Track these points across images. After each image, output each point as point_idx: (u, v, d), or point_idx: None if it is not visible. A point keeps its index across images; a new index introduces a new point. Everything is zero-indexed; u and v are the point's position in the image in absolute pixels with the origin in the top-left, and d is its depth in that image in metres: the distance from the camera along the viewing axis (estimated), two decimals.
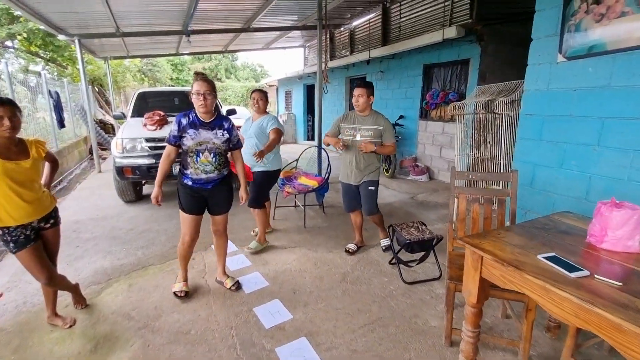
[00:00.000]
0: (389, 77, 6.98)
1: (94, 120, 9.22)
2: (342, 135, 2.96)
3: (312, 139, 11.61)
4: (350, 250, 3.12)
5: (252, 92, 3.14)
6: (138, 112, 5.08)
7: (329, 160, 4.07)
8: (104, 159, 8.21)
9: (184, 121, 2.23)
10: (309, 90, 11.37)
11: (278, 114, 14.03)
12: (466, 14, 5.08)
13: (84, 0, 4.61)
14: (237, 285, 2.55)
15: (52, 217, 2.05)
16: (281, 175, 4.07)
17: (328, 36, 4.70)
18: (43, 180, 2.07)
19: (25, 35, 8.74)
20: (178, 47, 9.15)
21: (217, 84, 22.84)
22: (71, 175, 6.82)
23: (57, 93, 6.78)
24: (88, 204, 4.65)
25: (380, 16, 6.96)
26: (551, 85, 2.71)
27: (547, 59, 2.72)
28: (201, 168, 2.26)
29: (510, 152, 2.98)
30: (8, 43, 9.52)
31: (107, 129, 10.80)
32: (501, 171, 3.02)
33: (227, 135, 2.30)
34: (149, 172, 4.15)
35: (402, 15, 6.43)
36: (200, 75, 2.22)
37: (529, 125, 2.88)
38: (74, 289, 2.28)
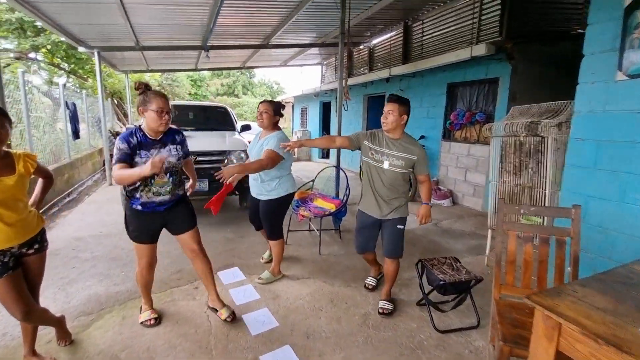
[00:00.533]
0: (409, 95, 6.71)
1: (111, 132, 9.26)
2: (365, 157, 2.42)
3: (327, 156, 11.38)
4: (369, 287, 2.76)
5: (260, 103, 2.75)
6: None
7: (347, 182, 3.78)
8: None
9: (133, 140, 1.97)
10: (325, 108, 11.24)
11: (293, 130, 13.94)
12: (495, 31, 4.83)
13: (104, 12, 4.58)
14: (233, 317, 2.30)
15: (38, 242, 1.80)
16: (296, 197, 3.79)
17: (341, 57, 4.50)
18: (32, 199, 1.84)
19: (49, 47, 8.98)
20: (197, 62, 9.21)
21: (234, 100, 23.24)
22: (82, 187, 6.72)
23: (74, 104, 6.79)
24: (93, 219, 4.45)
25: (401, 34, 6.79)
26: (608, 107, 2.37)
27: (603, 77, 2.39)
28: (154, 190, 2.04)
29: (556, 179, 2.62)
30: (32, 55, 9.79)
31: None
32: (546, 202, 2.65)
33: (181, 151, 2.13)
34: None
35: (424, 33, 6.23)
36: (156, 91, 2.02)
37: (581, 150, 2.52)
38: (58, 324, 2.00)
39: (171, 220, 2.17)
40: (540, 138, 2.66)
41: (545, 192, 2.65)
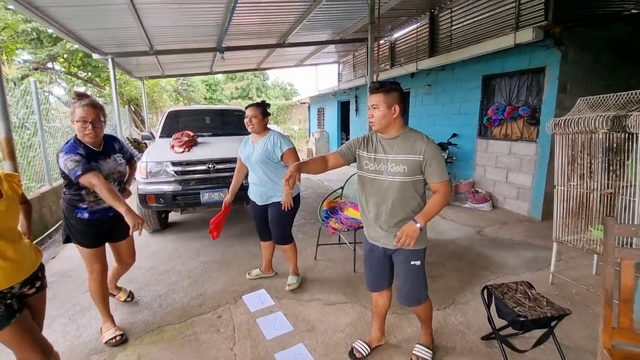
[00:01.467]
0: (437, 91, 6.25)
1: (128, 140, 9.16)
2: (359, 170, 1.84)
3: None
4: (358, 355, 1.95)
5: (246, 108, 2.57)
6: (168, 132, 4.69)
7: None
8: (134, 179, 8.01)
9: (81, 151, 1.90)
10: (343, 107, 10.86)
11: (310, 132, 13.62)
12: (539, 15, 4.32)
13: (115, 16, 4.36)
14: (132, 297, 2.58)
15: (39, 278, 1.52)
16: (324, 206, 3.42)
17: (370, 48, 4.10)
18: (21, 229, 1.55)
19: (65, 56, 8.98)
20: (212, 65, 9.02)
21: (249, 102, 23.15)
22: None
23: None
24: None
25: (427, 25, 6.32)
26: None
27: None
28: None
29: None
30: (50, 65, 9.84)
31: (140, 148, 10.81)
32: (636, 212, 2.17)
33: (123, 159, 2.17)
34: (174, 201, 3.66)
35: (453, 23, 5.75)
36: (85, 99, 1.91)
37: None
38: None
39: (117, 226, 2.11)
40: (627, 134, 2.19)
41: (634, 200, 2.18)
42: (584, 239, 2.56)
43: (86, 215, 2.02)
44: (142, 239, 3.94)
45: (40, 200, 4.22)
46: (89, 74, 10.32)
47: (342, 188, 3.73)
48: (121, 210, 1.78)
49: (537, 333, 1.86)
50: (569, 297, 2.59)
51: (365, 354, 1.96)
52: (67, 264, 3.35)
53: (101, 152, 2.02)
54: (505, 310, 1.84)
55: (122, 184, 2.22)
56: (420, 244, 1.74)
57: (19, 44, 8.39)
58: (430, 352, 1.93)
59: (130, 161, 2.32)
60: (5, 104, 2.60)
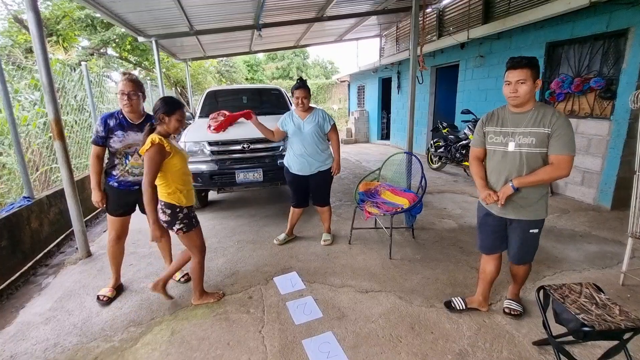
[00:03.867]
0: (491, 63, 5.61)
1: None
2: (488, 144, 1.92)
3: (387, 137, 10.54)
4: (453, 306, 2.14)
5: (294, 89, 2.90)
6: (207, 112, 4.75)
7: (422, 170, 3.11)
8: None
9: (111, 122, 2.18)
10: (385, 84, 10.32)
11: (350, 111, 13.25)
12: None
13: None
14: (187, 278, 2.58)
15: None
16: (360, 189, 3.25)
17: (415, 16, 3.67)
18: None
19: (116, 41, 9.47)
20: (251, 44, 8.96)
21: (290, 82, 23.04)
22: None
23: None
24: None
25: None
26: None
27: None
28: (129, 170, 2.26)
29: None
30: (103, 50, 10.45)
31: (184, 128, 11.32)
32: None
33: None
34: (211, 180, 3.72)
35: None
36: (126, 75, 2.20)
37: None
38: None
39: (140, 199, 2.12)
40: None
41: None
42: None
43: (115, 184, 2.24)
44: None
45: None
46: (138, 57, 10.84)
47: (379, 169, 3.52)
48: (93, 192, 2.24)
49: (603, 343, 1.59)
50: None
51: (460, 308, 2.13)
52: None
53: (136, 125, 2.22)
54: (566, 316, 1.58)
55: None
56: (541, 215, 1.86)
57: (77, 31, 8.99)
58: (521, 306, 2.09)
59: None
60: (53, 87, 2.72)
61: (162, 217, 2.02)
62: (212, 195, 4.85)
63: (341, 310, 2.22)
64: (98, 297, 2.37)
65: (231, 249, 3.18)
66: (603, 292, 1.71)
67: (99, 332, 2.08)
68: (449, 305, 2.17)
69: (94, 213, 4.22)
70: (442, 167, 6.31)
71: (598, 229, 3.40)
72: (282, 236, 3.29)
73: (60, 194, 3.37)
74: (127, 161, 2.24)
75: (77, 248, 3.17)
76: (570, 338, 1.73)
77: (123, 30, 6.30)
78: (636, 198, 2.29)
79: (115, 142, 2.19)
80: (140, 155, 2.08)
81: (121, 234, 2.41)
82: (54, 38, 8.50)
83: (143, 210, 2.21)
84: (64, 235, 3.47)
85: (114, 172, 2.24)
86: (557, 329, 1.69)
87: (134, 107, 2.19)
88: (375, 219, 3.56)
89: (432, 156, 6.42)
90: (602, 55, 3.96)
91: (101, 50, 10.19)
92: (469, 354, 1.80)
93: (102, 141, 2.20)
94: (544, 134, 1.71)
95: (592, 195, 4.12)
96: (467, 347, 1.86)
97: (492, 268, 2.06)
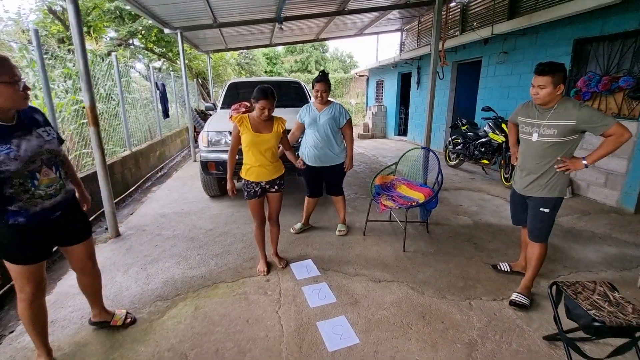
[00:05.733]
0: (515, 59, 5.49)
1: (196, 111, 9.83)
2: (520, 131, 2.25)
3: (405, 133, 10.47)
4: (500, 268, 2.59)
5: (315, 82, 2.96)
6: (229, 103, 4.89)
7: (439, 166, 3.14)
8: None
9: None
10: (404, 80, 10.21)
11: (367, 105, 13.19)
12: None
13: None
14: (132, 319, 2.05)
15: (277, 184, 2.51)
16: (376, 182, 3.31)
17: (438, 10, 3.64)
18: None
19: (143, 32, 9.74)
20: (271, 37, 9.05)
21: (308, 76, 23.08)
22: (172, 162, 7.26)
23: (163, 85, 7.22)
24: (177, 196, 4.66)
25: None
26: None
27: None
28: (41, 194, 1.51)
29: None
30: (130, 41, 10.77)
31: (207, 119, 11.58)
32: None
33: (53, 131, 1.61)
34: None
35: None
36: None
37: None
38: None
39: (67, 227, 1.69)
40: None
41: None
42: None
43: (22, 219, 1.48)
44: (204, 203, 4.28)
45: (122, 163, 4.77)
46: (163, 49, 11.13)
47: (396, 164, 3.56)
48: None
49: (614, 341, 1.61)
50: None
51: (506, 270, 2.55)
52: (142, 220, 3.78)
53: (15, 126, 1.46)
54: (578, 311, 1.61)
55: (62, 167, 1.63)
56: (554, 194, 2.08)
57: (106, 22, 9.32)
58: (528, 299, 2.17)
59: (61, 143, 1.70)
60: (89, 76, 2.89)
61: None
62: None
63: (354, 297, 2.30)
64: None
65: (250, 235, 3.31)
66: (617, 291, 1.72)
67: (129, 304, 2.25)
68: (495, 267, 2.61)
69: (120, 197, 4.45)
70: (460, 164, 6.26)
71: (619, 232, 3.34)
72: (298, 225, 3.39)
73: (90, 177, 3.58)
74: (35, 182, 1.49)
75: (106, 228, 3.38)
76: (582, 335, 1.76)
77: (150, 22, 6.49)
78: None
79: (5, 162, 1.38)
80: (51, 167, 1.54)
81: (44, 285, 1.66)
82: (85, 29, 8.84)
83: (64, 242, 1.72)
84: (94, 216, 3.70)
85: (13, 207, 1.45)
86: (568, 326, 1.72)
87: (25, 100, 1.46)
88: (390, 212, 3.61)
89: (450, 153, 6.36)
90: (633, 53, 3.83)
91: (129, 42, 10.51)
92: (478, 344, 1.86)
93: None
94: (568, 126, 1.95)
95: (615, 197, 4.02)
96: (476, 338, 1.91)
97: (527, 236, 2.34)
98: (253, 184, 2.42)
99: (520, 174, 2.23)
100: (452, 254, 2.91)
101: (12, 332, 2.03)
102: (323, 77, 2.98)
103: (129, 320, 2.04)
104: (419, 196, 3.03)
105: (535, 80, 1.98)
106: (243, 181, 2.46)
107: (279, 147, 2.55)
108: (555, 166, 2.03)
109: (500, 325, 2.01)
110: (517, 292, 2.21)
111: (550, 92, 1.94)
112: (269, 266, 2.67)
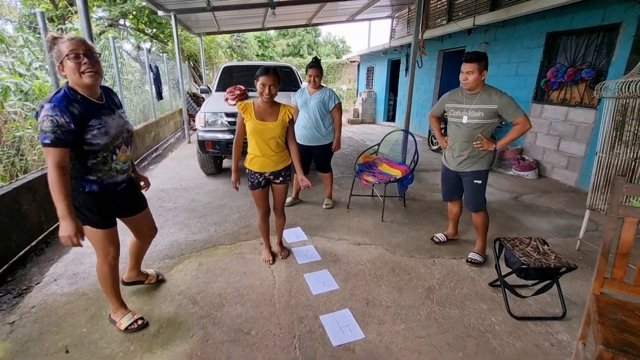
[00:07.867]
0: (495, 50, 5.83)
1: (188, 94, 9.93)
2: (448, 117, 2.54)
3: (393, 119, 10.81)
4: (437, 240, 2.88)
5: (309, 68, 3.23)
6: (223, 86, 5.12)
7: (416, 147, 3.50)
8: (195, 130, 8.82)
9: (76, 109, 1.45)
10: (393, 67, 10.48)
11: (358, 92, 13.43)
12: None
13: None
14: (162, 278, 2.35)
15: (283, 176, 2.39)
16: (360, 161, 3.66)
17: (423, 2, 3.92)
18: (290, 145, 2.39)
19: (134, 13, 9.70)
20: (264, 21, 9.14)
21: (300, 60, 23.03)
22: (166, 144, 7.46)
23: (156, 67, 7.34)
24: (174, 174, 4.93)
25: None
26: None
27: None
28: (117, 167, 1.66)
29: None
30: (121, 22, 10.67)
31: (199, 102, 11.65)
32: None
33: (125, 114, 1.75)
34: (227, 148, 4.14)
35: None
36: (65, 34, 1.50)
37: None
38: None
39: (129, 199, 1.86)
40: None
41: None
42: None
43: (96, 188, 1.63)
44: (200, 180, 4.58)
45: None
46: (154, 30, 11.07)
47: (378, 145, 3.91)
48: (58, 211, 1.41)
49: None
50: (590, 263, 2.63)
51: (442, 240, 2.87)
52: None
53: (104, 105, 1.59)
54: (512, 259, 2.01)
55: (131, 145, 1.76)
56: (483, 167, 2.42)
57: (96, 1, 9.23)
58: (482, 257, 2.57)
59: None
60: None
61: None
62: (227, 163, 5.29)
63: (336, 256, 2.68)
64: (127, 329, 1.85)
65: (244, 207, 3.64)
66: (547, 245, 2.13)
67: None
68: (432, 239, 2.91)
69: None
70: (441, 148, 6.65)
71: (572, 207, 3.79)
72: (288, 199, 3.73)
73: None
74: (114, 157, 1.63)
75: None
76: (519, 282, 2.18)
77: (144, 3, 6.55)
78: (595, 175, 2.66)
79: (98, 136, 1.52)
80: (127, 145, 1.69)
81: (118, 250, 1.82)
82: (75, 8, 8.75)
83: (129, 213, 1.89)
84: None
85: (92, 177, 1.60)
86: (510, 277, 2.12)
87: (100, 74, 1.52)
88: (373, 189, 3.98)
89: (433, 138, 6.74)
90: (595, 47, 4.21)
91: (119, 22, 10.42)
92: (435, 289, 2.27)
93: (71, 141, 1.44)
94: (492, 109, 2.28)
95: (575, 178, 4.47)
96: (435, 285, 2.32)
97: (455, 209, 2.78)
98: (257, 174, 2.32)
99: (452, 154, 2.52)
100: (424, 224, 3.30)
101: (39, 283, 2.35)
102: (316, 63, 3.25)
103: (160, 278, 2.33)
104: (397, 173, 3.40)
105: (464, 67, 2.26)
106: (247, 170, 2.36)
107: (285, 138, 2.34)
108: (474, 143, 2.36)
109: (456, 276, 2.42)
110: (473, 252, 2.62)
111: (477, 77, 2.24)
112: (274, 255, 2.64)
